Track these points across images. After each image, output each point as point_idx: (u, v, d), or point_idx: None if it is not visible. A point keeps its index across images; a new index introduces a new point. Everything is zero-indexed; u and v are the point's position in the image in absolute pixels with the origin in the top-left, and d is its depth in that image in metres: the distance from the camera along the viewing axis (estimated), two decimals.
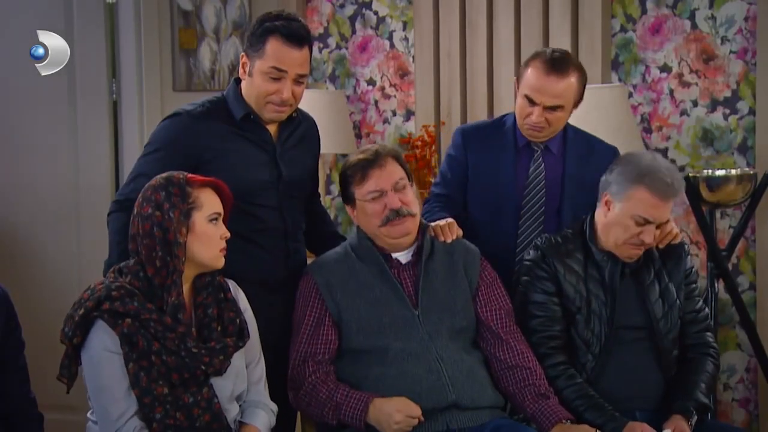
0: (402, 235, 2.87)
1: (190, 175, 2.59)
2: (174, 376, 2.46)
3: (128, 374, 2.44)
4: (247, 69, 2.91)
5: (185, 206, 2.52)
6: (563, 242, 2.99)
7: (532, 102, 3.08)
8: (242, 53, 2.93)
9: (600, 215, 2.96)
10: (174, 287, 2.50)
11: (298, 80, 2.89)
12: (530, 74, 3.09)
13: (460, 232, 3.00)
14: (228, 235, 2.59)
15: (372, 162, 2.86)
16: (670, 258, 3.01)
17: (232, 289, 2.67)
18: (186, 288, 2.56)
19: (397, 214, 2.84)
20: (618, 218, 2.89)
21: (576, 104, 3.15)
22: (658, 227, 2.91)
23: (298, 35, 2.87)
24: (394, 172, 2.87)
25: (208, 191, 2.58)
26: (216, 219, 2.57)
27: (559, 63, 3.07)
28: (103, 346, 2.46)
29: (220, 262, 2.59)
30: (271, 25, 2.86)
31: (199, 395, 2.50)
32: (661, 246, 3.00)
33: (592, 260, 2.96)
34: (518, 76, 3.18)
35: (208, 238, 2.54)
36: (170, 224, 2.50)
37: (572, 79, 3.08)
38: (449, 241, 2.96)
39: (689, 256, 3.07)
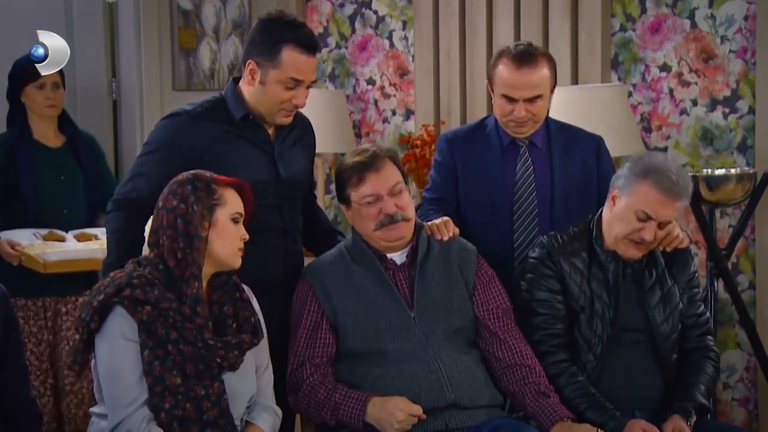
0: (395, 240, 2.87)
1: (215, 174, 2.61)
2: (189, 366, 2.48)
3: (143, 362, 2.45)
4: (257, 77, 2.87)
5: (209, 201, 2.55)
6: (569, 241, 2.98)
7: (511, 99, 3.09)
8: (249, 60, 2.87)
9: (606, 211, 2.96)
10: (193, 279, 2.52)
11: (310, 85, 2.90)
12: (502, 73, 3.09)
13: (457, 231, 2.99)
14: (247, 237, 2.61)
15: (368, 165, 2.84)
16: (677, 262, 3.01)
17: (246, 291, 2.69)
18: (203, 286, 2.58)
19: (391, 220, 2.83)
20: (621, 212, 2.89)
21: (552, 90, 3.15)
22: (660, 227, 2.90)
23: (312, 43, 2.86)
24: (390, 175, 2.85)
25: (232, 191, 2.61)
26: (237, 219, 2.60)
27: (526, 54, 3.08)
28: (120, 333, 2.47)
29: (237, 262, 2.61)
30: (286, 35, 2.83)
31: (210, 389, 2.51)
32: (669, 249, 2.99)
33: (597, 260, 2.96)
34: (489, 77, 3.17)
35: (228, 236, 2.57)
36: (193, 217, 2.52)
37: (544, 67, 3.09)
38: (446, 238, 2.95)
39: (693, 260, 3.07)
